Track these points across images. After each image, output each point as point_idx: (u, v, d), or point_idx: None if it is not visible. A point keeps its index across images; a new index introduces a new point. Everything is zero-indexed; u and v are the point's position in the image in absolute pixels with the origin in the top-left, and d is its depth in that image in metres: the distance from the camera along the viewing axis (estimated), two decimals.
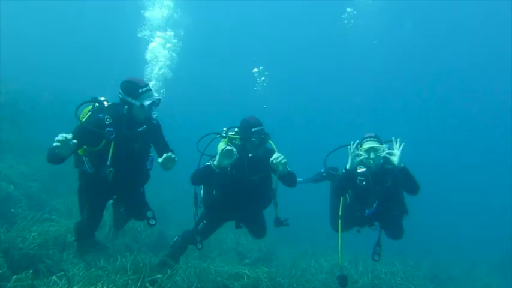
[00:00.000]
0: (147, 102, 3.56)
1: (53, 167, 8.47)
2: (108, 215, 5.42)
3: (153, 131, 3.88)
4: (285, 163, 3.87)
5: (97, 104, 3.78)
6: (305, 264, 7.26)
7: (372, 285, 5.91)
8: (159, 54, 5.52)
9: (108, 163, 3.55)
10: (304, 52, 26.60)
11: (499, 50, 22.31)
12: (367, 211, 4.29)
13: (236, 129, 4.27)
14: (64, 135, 3.07)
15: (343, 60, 24.39)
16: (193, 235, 4.41)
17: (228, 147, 3.78)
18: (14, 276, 3.19)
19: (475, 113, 26.55)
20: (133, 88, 3.59)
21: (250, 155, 4.06)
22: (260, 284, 4.62)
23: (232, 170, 4.05)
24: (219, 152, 3.82)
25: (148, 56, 5.30)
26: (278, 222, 4.38)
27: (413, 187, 4.13)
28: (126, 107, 3.59)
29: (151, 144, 4.02)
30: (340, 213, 4.50)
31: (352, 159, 4.04)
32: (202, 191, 4.40)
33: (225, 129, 4.27)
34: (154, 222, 4.05)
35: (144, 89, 3.59)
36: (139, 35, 5.50)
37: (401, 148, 3.98)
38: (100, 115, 3.57)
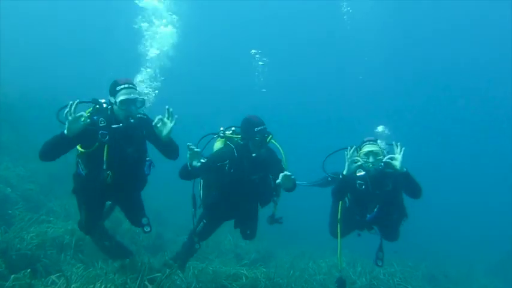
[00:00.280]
0: (120, 98, 3.48)
1: (50, 169, 8.53)
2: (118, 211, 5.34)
3: (146, 129, 3.76)
4: (293, 179, 3.81)
5: (97, 106, 3.74)
6: (303, 265, 7.26)
7: (370, 285, 5.93)
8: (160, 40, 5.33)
9: (104, 167, 3.53)
10: (304, 50, 26.61)
11: (499, 50, 22.47)
12: (368, 215, 4.27)
13: (233, 129, 4.26)
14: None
15: (343, 59, 24.46)
16: (192, 235, 4.41)
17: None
18: (12, 276, 3.18)
19: (474, 112, 26.67)
20: (114, 86, 3.59)
21: (253, 154, 4.02)
22: (258, 284, 4.62)
23: (230, 169, 4.03)
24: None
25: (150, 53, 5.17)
26: (272, 220, 4.38)
27: (415, 191, 4.10)
28: (109, 106, 3.59)
29: (153, 144, 3.89)
30: (339, 216, 4.47)
31: (349, 164, 4.01)
32: (201, 191, 4.39)
33: (222, 128, 4.26)
34: (149, 230, 3.96)
35: (122, 86, 3.54)
36: (135, 26, 5.38)
37: (402, 152, 3.96)
38: (95, 117, 3.55)
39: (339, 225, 4.45)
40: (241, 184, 4.08)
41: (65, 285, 3.30)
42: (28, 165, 8.10)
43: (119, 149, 3.57)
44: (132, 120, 3.55)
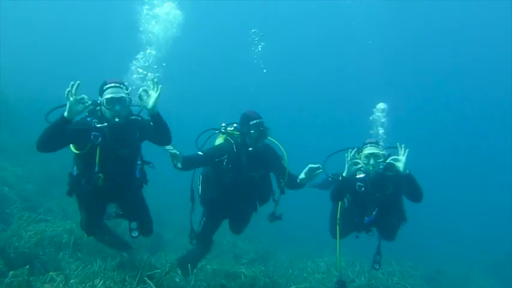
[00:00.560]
0: (105, 97, 3.42)
1: (47, 170, 8.49)
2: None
3: (140, 130, 3.68)
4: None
5: (92, 107, 3.60)
6: (302, 264, 7.27)
7: (368, 284, 5.93)
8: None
9: (96, 169, 3.48)
10: (304, 49, 26.64)
11: (498, 50, 22.58)
12: (366, 218, 4.24)
13: (235, 125, 4.24)
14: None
15: (342, 58, 24.51)
16: (191, 232, 4.40)
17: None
18: (11, 272, 3.16)
19: (474, 111, 26.78)
20: (101, 86, 3.55)
21: (250, 149, 4.02)
22: (257, 282, 4.60)
23: (228, 164, 4.02)
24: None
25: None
26: (273, 217, 4.36)
27: (416, 195, 4.08)
28: (98, 107, 3.54)
29: (148, 138, 3.79)
30: (338, 216, 4.45)
31: (349, 166, 3.97)
32: (200, 186, 4.37)
33: (223, 124, 4.24)
34: (136, 235, 3.81)
35: (108, 85, 3.49)
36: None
37: (406, 154, 3.92)
38: (89, 118, 3.52)
39: (338, 226, 4.44)
40: (240, 181, 4.06)
41: (63, 282, 3.29)
42: (26, 166, 8.10)
43: (111, 151, 3.52)
44: (117, 120, 3.43)
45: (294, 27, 25.98)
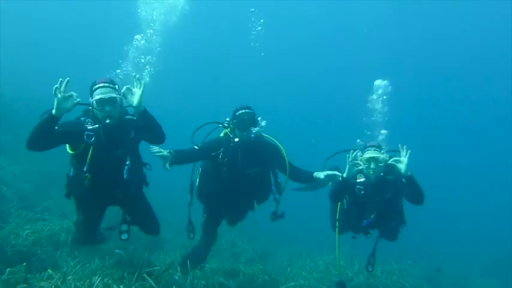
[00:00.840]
0: (95, 98, 3.35)
1: (45, 170, 8.46)
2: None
3: (135, 130, 3.61)
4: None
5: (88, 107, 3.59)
6: (301, 262, 7.25)
7: (367, 283, 5.92)
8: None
9: (84, 168, 3.41)
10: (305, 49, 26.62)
11: (499, 50, 22.62)
12: (364, 221, 4.23)
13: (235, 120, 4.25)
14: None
15: (343, 58, 24.52)
16: (188, 225, 4.39)
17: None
18: (8, 269, 3.13)
19: (474, 111, 26.81)
20: (92, 86, 3.47)
21: (236, 139, 4.00)
22: (256, 280, 4.59)
23: (224, 157, 4.01)
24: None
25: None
26: (275, 216, 4.35)
27: (417, 198, 4.05)
28: (90, 107, 3.46)
29: (142, 138, 3.73)
30: (337, 216, 4.44)
31: (349, 168, 3.97)
32: (197, 179, 4.35)
33: (228, 119, 4.22)
34: (125, 237, 3.75)
35: (97, 85, 3.42)
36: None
37: (408, 156, 3.91)
38: (82, 118, 3.48)
39: (337, 227, 4.43)
40: (236, 177, 4.04)
41: (61, 279, 3.26)
42: (23, 165, 8.08)
43: (105, 152, 3.44)
44: (108, 121, 3.36)
45: (294, 27, 26.00)
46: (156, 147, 3.70)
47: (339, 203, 4.45)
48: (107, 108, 3.35)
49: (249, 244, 8.05)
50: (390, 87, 5.48)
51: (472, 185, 19.78)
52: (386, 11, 19.58)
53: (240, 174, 4.06)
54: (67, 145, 3.52)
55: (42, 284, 3.20)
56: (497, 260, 11.11)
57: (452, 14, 22.49)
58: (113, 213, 4.16)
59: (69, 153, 3.54)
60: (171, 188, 9.89)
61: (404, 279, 6.46)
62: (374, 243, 4.52)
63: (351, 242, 4.87)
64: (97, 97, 3.36)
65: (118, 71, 4.62)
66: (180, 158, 3.83)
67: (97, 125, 3.39)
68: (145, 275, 3.21)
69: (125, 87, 3.36)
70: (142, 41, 4.64)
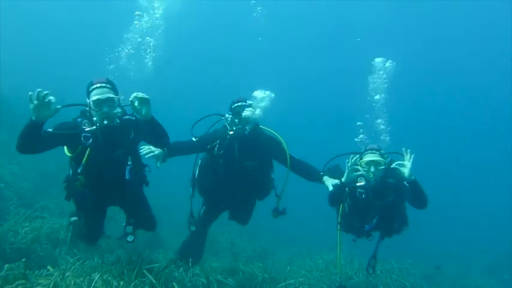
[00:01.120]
0: (92, 99, 3.28)
1: (44, 168, 8.44)
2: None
3: (135, 130, 3.55)
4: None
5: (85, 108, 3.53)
6: (300, 261, 7.24)
7: (366, 282, 5.89)
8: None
9: (79, 170, 3.36)
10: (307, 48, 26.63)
11: (498, 50, 22.63)
12: (367, 226, 4.17)
13: None
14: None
15: (343, 58, 24.52)
16: (190, 217, 4.38)
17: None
18: (6, 265, 3.12)
19: (474, 111, 26.82)
20: (88, 87, 3.40)
21: (231, 132, 4.00)
22: (255, 279, 4.57)
23: (220, 150, 4.01)
24: None
25: None
26: (277, 212, 4.33)
27: (421, 202, 4.01)
28: (87, 108, 3.40)
29: (144, 140, 3.70)
30: (338, 220, 4.37)
31: (348, 172, 3.93)
32: (197, 171, 4.35)
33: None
34: (131, 239, 3.71)
35: (94, 86, 3.34)
36: None
37: (411, 160, 3.86)
38: (79, 119, 3.42)
39: (338, 231, 4.37)
40: (232, 170, 4.03)
41: (60, 276, 3.25)
42: (22, 164, 8.06)
43: (103, 153, 3.39)
44: (105, 122, 3.30)
45: (294, 26, 26.00)
46: (146, 148, 3.63)
47: (340, 207, 4.37)
48: (105, 109, 3.29)
49: (248, 243, 8.04)
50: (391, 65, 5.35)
51: (472, 185, 19.79)
52: (387, 11, 19.58)
53: (237, 168, 4.04)
54: (65, 148, 3.49)
55: (41, 280, 3.19)
56: (497, 260, 11.11)
57: (452, 14, 22.50)
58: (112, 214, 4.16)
59: (67, 155, 3.51)
60: (171, 187, 9.89)
61: (404, 278, 6.44)
62: (375, 245, 4.46)
63: (350, 240, 4.86)
64: (94, 98, 3.29)
65: (112, 66, 4.57)
66: (175, 149, 3.81)
67: (94, 127, 3.33)
68: (145, 271, 3.19)
69: (132, 96, 3.18)
70: (144, 21, 4.55)
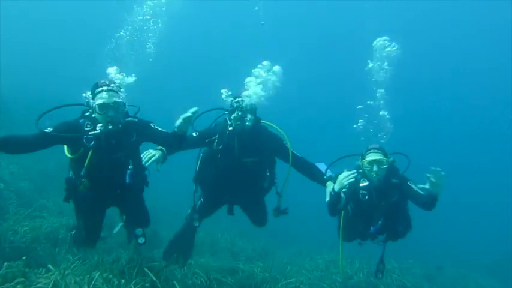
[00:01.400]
0: (98, 102, 3.25)
1: (43, 168, 8.41)
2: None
3: (138, 132, 3.53)
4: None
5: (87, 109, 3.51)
6: (301, 261, 7.23)
7: (366, 281, 5.89)
8: None
9: (82, 173, 3.34)
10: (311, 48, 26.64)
11: (499, 50, 22.64)
12: (372, 228, 4.11)
13: None
14: None
15: (343, 58, 24.50)
16: (193, 211, 4.36)
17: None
18: (5, 263, 3.10)
19: (474, 111, 26.82)
20: (93, 88, 3.37)
21: (230, 128, 3.98)
22: (255, 278, 4.56)
23: (219, 144, 3.99)
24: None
25: None
26: (278, 212, 4.31)
27: (430, 205, 3.76)
28: (91, 110, 3.36)
29: (151, 141, 3.68)
30: (341, 224, 4.29)
31: (340, 182, 3.69)
32: (198, 164, 4.33)
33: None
34: (143, 241, 3.67)
35: (100, 88, 3.30)
36: None
37: (444, 179, 3.60)
38: (81, 120, 3.39)
39: (339, 236, 4.34)
40: (231, 166, 4.01)
41: (60, 275, 3.23)
42: (22, 163, 8.03)
43: (106, 155, 3.36)
44: (110, 127, 3.26)
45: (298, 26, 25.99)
46: (146, 155, 3.61)
47: (342, 214, 4.26)
48: (110, 113, 3.26)
49: (248, 243, 8.03)
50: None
51: (472, 185, 19.77)
52: (387, 10, 19.59)
53: (236, 164, 4.01)
54: (65, 149, 3.47)
55: (41, 279, 3.18)
56: (497, 260, 11.08)
57: (452, 14, 22.51)
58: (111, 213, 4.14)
59: (67, 156, 3.48)
60: (170, 187, 9.88)
61: (405, 277, 6.43)
62: (382, 250, 4.40)
63: (353, 243, 4.82)
64: (100, 101, 3.25)
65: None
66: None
67: (98, 131, 3.28)
68: (146, 269, 3.18)
69: (178, 121, 3.23)
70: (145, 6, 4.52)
